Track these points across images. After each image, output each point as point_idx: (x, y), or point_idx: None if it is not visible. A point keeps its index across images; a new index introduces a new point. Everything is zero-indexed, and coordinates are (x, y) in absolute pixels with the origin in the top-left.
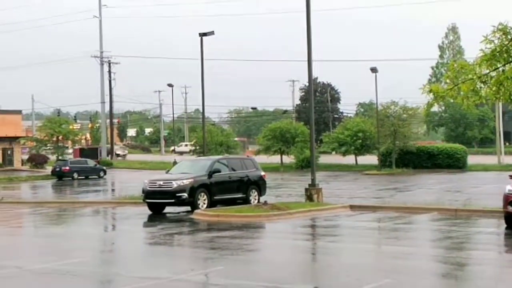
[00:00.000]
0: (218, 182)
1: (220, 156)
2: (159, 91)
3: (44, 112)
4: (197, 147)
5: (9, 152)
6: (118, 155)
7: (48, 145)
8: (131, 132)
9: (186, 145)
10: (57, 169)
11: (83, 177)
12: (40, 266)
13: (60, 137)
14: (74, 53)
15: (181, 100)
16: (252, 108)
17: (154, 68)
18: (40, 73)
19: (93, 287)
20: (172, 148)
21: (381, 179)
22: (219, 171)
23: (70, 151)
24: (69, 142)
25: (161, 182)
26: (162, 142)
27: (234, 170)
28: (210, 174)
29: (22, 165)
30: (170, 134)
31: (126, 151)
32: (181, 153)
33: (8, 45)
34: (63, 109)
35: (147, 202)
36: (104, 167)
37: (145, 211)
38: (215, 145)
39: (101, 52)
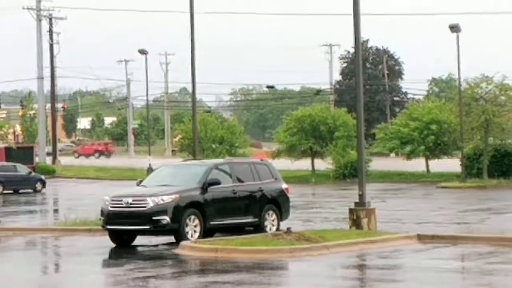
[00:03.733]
0: (217, 199)
1: (220, 160)
2: (126, 61)
3: None
4: (183, 146)
5: None
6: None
7: None
8: (84, 123)
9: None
10: None
11: (10, 191)
12: None
13: None
14: None
15: (159, 74)
16: (268, 87)
17: (119, 28)
18: None
19: None
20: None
21: (466, 194)
22: (218, 183)
23: None
24: None
25: (130, 200)
26: (131, 138)
27: (241, 181)
28: (204, 187)
29: None
30: (143, 126)
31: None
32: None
33: None
34: None
35: (109, 229)
36: (43, 176)
37: (106, 242)
38: (211, 142)
39: (39, 2)
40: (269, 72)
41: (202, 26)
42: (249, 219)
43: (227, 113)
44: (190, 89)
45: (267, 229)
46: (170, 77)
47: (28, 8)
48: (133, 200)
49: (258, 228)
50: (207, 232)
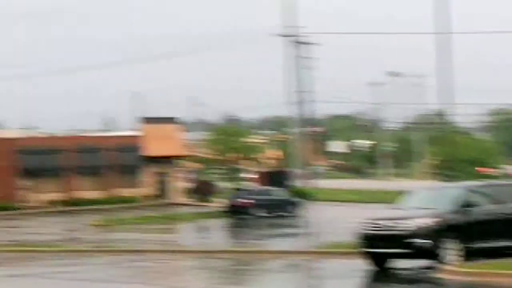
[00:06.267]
0: (476, 221)
1: (478, 182)
2: (377, 84)
3: (213, 120)
4: (438, 168)
5: (163, 178)
6: None
7: (219, 167)
8: (337, 146)
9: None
10: (233, 203)
11: (270, 215)
12: None
13: (235, 156)
14: (246, 29)
15: (412, 96)
16: None
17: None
18: (202, 61)
19: None
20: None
21: None
22: (476, 205)
23: (251, 176)
24: (249, 162)
25: (388, 222)
26: (383, 161)
27: (500, 202)
28: (463, 210)
29: (182, 196)
30: (395, 149)
31: None
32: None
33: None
34: (241, 115)
35: (366, 252)
36: (299, 199)
37: (363, 265)
38: (466, 163)
39: (295, 28)
40: None
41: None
42: (510, 243)
43: (483, 133)
44: (446, 111)
45: None
46: (427, 98)
47: (284, 36)
48: (392, 223)
49: None
50: (466, 256)
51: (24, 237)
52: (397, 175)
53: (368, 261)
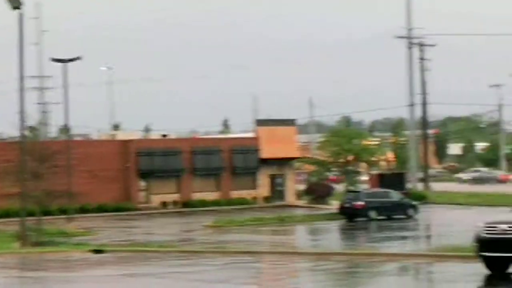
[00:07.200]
0: None
1: None
2: (498, 85)
3: (326, 122)
4: None
5: (279, 180)
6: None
7: (334, 169)
8: (455, 148)
9: None
10: (347, 205)
11: (384, 217)
12: None
13: (350, 158)
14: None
15: None
16: None
17: (491, 51)
18: (316, 64)
19: None
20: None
21: None
22: None
23: (365, 178)
24: (363, 164)
25: (506, 226)
26: (503, 163)
27: None
28: None
29: (297, 198)
30: None
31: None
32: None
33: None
34: (354, 116)
35: (483, 256)
36: (415, 202)
37: (480, 269)
38: None
39: (410, 30)
40: None
41: None
42: None
43: None
44: None
45: None
46: None
47: (400, 37)
48: (509, 227)
49: None
50: None
51: (143, 237)
52: None
53: (486, 264)
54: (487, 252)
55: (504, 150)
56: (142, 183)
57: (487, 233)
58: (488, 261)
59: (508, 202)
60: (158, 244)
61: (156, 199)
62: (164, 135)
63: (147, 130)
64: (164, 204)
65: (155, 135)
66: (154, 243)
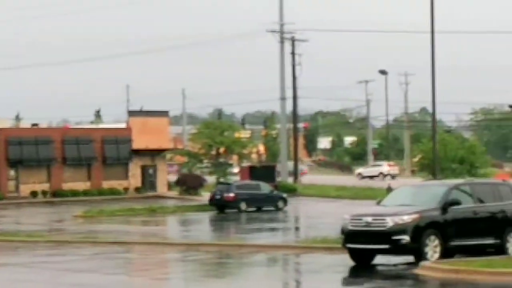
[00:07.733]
0: (457, 219)
1: (460, 181)
2: (366, 82)
3: (199, 114)
4: (423, 166)
5: (150, 171)
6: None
7: (205, 161)
8: (324, 142)
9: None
10: (217, 197)
11: (254, 209)
12: None
13: (221, 150)
14: (239, 27)
15: (399, 94)
16: (511, 107)
17: (359, 48)
18: (192, 57)
19: None
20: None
21: None
22: (458, 203)
23: (236, 170)
24: (235, 157)
25: (370, 219)
26: (370, 158)
27: (481, 201)
28: (444, 208)
29: (168, 189)
30: (382, 146)
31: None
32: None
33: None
34: (226, 109)
35: (348, 248)
36: (284, 195)
37: (345, 261)
38: (451, 162)
39: (281, 25)
40: (511, 92)
41: (442, 46)
42: (490, 241)
43: (468, 133)
44: (430, 109)
45: (509, 251)
46: (410, 97)
47: (271, 31)
48: (373, 219)
49: (500, 250)
50: (446, 253)
51: (11, 227)
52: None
53: (351, 256)
54: (352, 244)
55: (371, 144)
56: (11, 172)
57: (352, 225)
58: (353, 253)
59: (377, 196)
60: (27, 233)
61: (25, 189)
62: (35, 124)
63: (18, 119)
64: (34, 194)
65: (25, 124)
66: (22, 232)
